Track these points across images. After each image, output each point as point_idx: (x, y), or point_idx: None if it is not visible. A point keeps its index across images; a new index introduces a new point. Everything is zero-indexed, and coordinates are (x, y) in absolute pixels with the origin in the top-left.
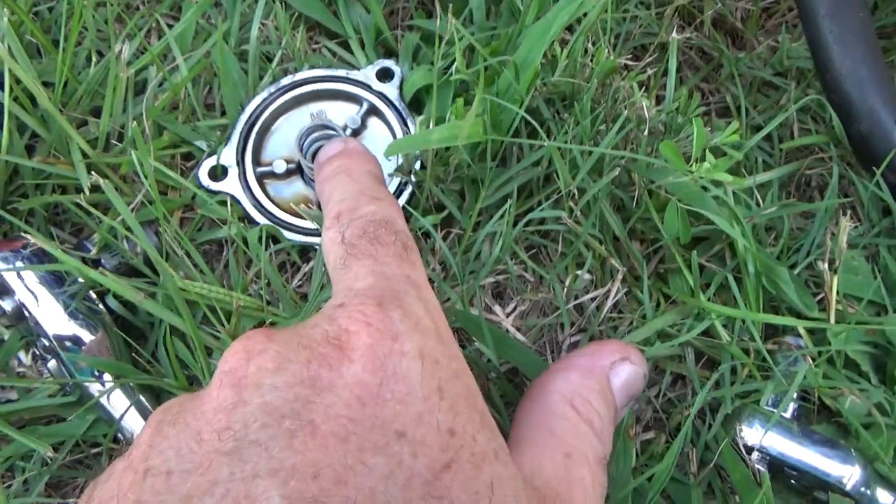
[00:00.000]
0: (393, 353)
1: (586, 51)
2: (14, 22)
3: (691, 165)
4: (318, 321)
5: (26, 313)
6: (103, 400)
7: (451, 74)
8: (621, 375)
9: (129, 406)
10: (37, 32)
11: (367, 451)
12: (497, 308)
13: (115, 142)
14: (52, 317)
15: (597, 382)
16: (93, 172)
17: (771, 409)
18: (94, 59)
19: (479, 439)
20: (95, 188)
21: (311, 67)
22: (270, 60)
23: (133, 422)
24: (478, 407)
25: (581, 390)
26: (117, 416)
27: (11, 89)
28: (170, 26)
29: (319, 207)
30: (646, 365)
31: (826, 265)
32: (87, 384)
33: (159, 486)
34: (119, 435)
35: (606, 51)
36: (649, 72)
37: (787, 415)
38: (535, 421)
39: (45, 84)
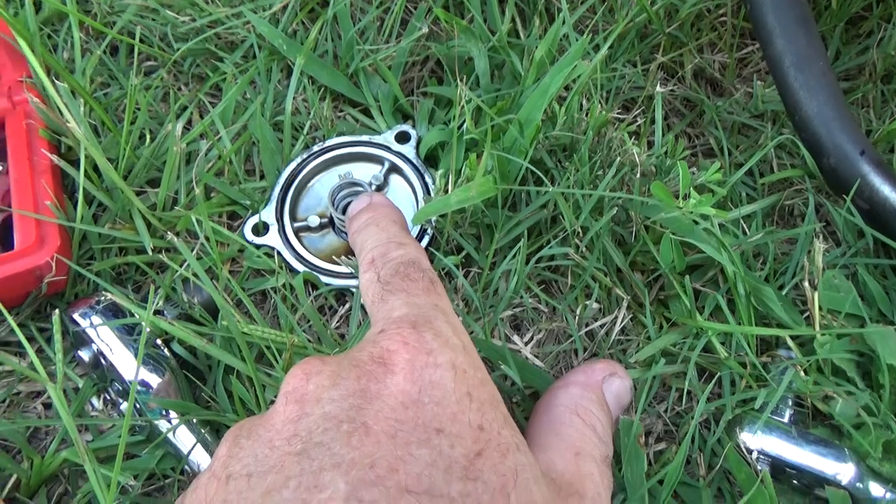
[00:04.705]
0: (428, 365)
1: (581, 106)
2: (84, 107)
3: (679, 202)
4: (364, 346)
5: (102, 361)
6: (170, 436)
7: (464, 133)
8: (612, 388)
9: (196, 442)
10: (102, 115)
11: (413, 445)
12: (516, 338)
13: (169, 208)
14: (126, 363)
15: (594, 394)
16: (168, 233)
17: (770, 416)
18: (147, 136)
19: (504, 434)
20: (154, 250)
21: (339, 134)
22: (302, 129)
23: (198, 455)
24: (501, 409)
25: (582, 401)
26: (184, 450)
27: (84, 166)
28: (212, 104)
29: (351, 255)
30: (630, 378)
31: (807, 284)
32: (155, 422)
33: (242, 487)
34: (186, 467)
35: (599, 106)
36: (640, 121)
37: (785, 420)
38: (544, 430)
39: (108, 160)
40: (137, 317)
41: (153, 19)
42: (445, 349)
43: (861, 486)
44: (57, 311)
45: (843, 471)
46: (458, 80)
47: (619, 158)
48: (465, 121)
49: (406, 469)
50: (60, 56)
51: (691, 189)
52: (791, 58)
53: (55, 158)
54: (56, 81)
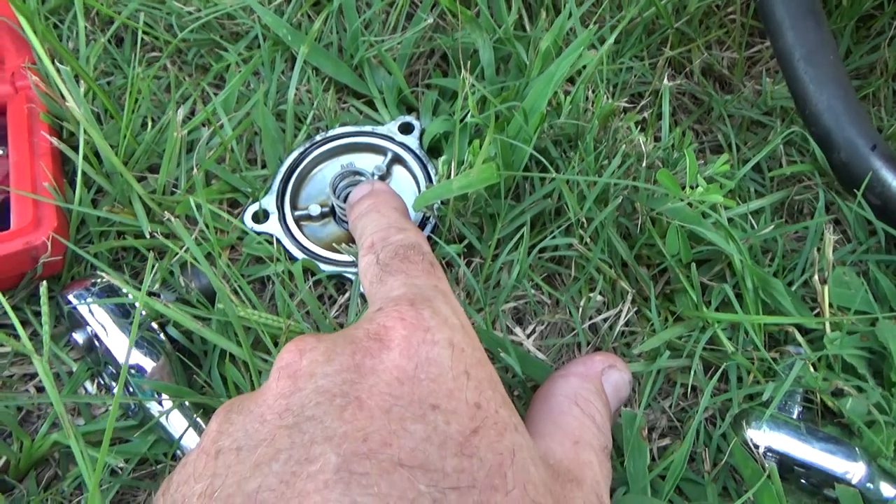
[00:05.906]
0: (425, 342)
1: (587, 97)
2: (86, 91)
3: (687, 191)
4: (361, 323)
5: (97, 343)
6: (163, 420)
7: (467, 122)
8: (611, 380)
9: (188, 426)
10: (104, 99)
11: (408, 420)
12: (518, 330)
13: (169, 194)
14: (120, 346)
15: (593, 385)
16: (167, 214)
17: (778, 412)
18: (149, 123)
19: (502, 413)
20: (151, 235)
21: (342, 125)
22: (305, 119)
23: (190, 440)
24: (500, 389)
25: (581, 391)
26: (176, 435)
27: (84, 150)
28: (215, 94)
29: (352, 244)
30: (629, 372)
31: (817, 278)
32: (147, 405)
33: (231, 461)
34: (178, 452)
35: (605, 96)
36: (645, 114)
37: (794, 417)
38: (543, 418)
39: (109, 145)
40: (131, 297)
41: (159, 9)
42: (444, 327)
43: (872, 486)
44: (44, 282)
45: (854, 470)
46: (463, 68)
47: (624, 147)
48: (468, 110)
49: (400, 443)
50: (65, 45)
51: (699, 178)
52: (801, 51)
53: (55, 141)
54: (59, 64)
